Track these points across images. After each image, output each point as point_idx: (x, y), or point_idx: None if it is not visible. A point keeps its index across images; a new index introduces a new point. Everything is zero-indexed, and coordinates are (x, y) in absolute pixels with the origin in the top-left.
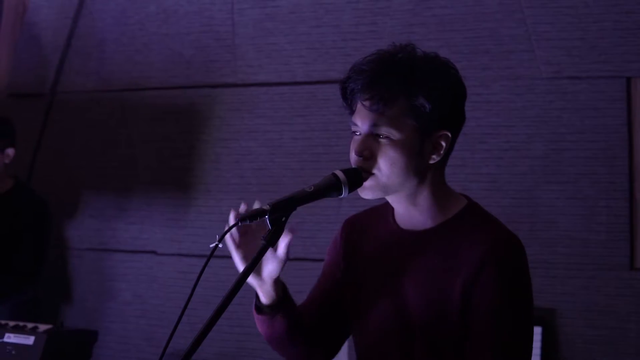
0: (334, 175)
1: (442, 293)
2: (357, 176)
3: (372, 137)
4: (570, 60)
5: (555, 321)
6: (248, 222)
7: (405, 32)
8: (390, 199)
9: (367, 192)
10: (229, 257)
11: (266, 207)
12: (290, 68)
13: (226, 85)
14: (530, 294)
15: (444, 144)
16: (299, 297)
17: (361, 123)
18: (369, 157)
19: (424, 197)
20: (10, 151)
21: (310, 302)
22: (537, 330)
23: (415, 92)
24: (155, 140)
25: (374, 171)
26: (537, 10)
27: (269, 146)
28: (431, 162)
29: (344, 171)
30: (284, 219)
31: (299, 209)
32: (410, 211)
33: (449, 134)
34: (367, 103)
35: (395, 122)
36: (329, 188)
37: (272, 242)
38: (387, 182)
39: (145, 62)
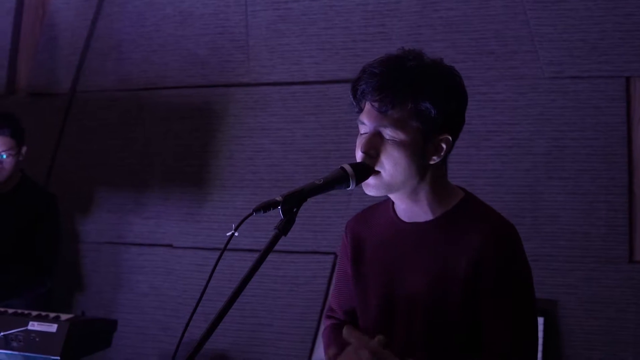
0: (342, 169)
1: (443, 278)
2: (364, 170)
3: (378, 137)
4: (571, 61)
5: (556, 312)
6: (262, 212)
7: (412, 34)
8: (393, 196)
9: (372, 189)
10: (243, 250)
11: (279, 198)
12: (301, 68)
13: (240, 84)
14: (530, 278)
15: (444, 146)
16: (311, 287)
17: (369, 122)
18: (374, 155)
19: (425, 192)
20: (24, 149)
21: (341, 306)
22: (539, 321)
23: (422, 97)
24: (171, 138)
25: (378, 168)
26: (540, 12)
27: (281, 143)
28: (431, 162)
29: (352, 165)
30: (295, 209)
31: (311, 204)
32: (411, 207)
33: (450, 138)
34: (376, 104)
35: (401, 124)
36: (338, 181)
37: (285, 231)
38: (391, 181)
39: (161, 63)
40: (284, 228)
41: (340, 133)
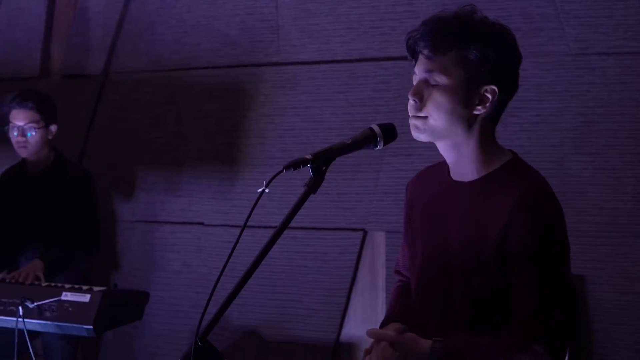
0: (370, 129)
1: (478, 236)
2: (392, 130)
3: (425, 83)
4: (597, 37)
5: (584, 287)
6: (292, 169)
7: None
8: (440, 146)
9: (417, 132)
10: (272, 227)
11: (308, 156)
12: (330, 47)
13: (270, 64)
14: (564, 240)
15: (490, 97)
16: (340, 263)
17: (418, 70)
18: (420, 100)
19: (471, 149)
20: (53, 127)
21: (404, 262)
22: None
23: (467, 44)
24: (202, 117)
25: (423, 114)
26: None
27: (310, 121)
28: (476, 112)
29: (380, 125)
30: (324, 167)
31: (340, 181)
32: (459, 162)
33: (496, 89)
34: (424, 51)
35: (446, 70)
36: (366, 140)
37: (314, 189)
38: (435, 125)
39: (193, 43)
40: (313, 186)
41: (368, 110)
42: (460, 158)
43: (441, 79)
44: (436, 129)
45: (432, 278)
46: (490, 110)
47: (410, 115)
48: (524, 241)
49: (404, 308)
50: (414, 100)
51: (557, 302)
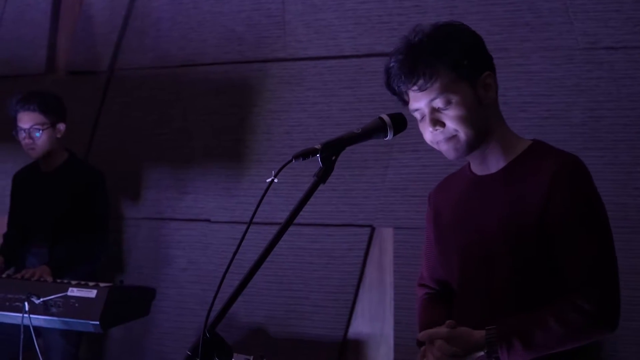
0: (380, 118)
1: (517, 215)
2: (402, 120)
3: (436, 111)
4: (606, 32)
5: None
6: (302, 159)
7: (447, 7)
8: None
9: (456, 153)
10: (279, 223)
11: (318, 146)
12: (338, 42)
13: (277, 60)
14: (603, 208)
15: (491, 82)
16: (348, 260)
17: (417, 104)
18: (442, 126)
19: (495, 140)
20: (61, 126)
21: (431, 274)
22: None
23: (447, 55)
24: (208, 114)
25: (451, 134)
26: None
27: (318, 117)
28: (487, 101)
29: (390, 115)
30: (334, 157)
31: (348, 177)
32: (485, 157)
33: (491, 72)
34: (416, 87)
35: (448, 88)
36: (376, 130)
37: (323, 179)
38: (467, 138)
39: (199, 40)
40: (322, 176)
41: (376, 106)
42: (485, 153)
43: (450, 97)
44: (470, 140)
45: (474, 272)
46: (494, 93)
47: (438, 141)
48: (571, 208)
49: (440, 313)
50: (437, 129)
51: (609, 263)
